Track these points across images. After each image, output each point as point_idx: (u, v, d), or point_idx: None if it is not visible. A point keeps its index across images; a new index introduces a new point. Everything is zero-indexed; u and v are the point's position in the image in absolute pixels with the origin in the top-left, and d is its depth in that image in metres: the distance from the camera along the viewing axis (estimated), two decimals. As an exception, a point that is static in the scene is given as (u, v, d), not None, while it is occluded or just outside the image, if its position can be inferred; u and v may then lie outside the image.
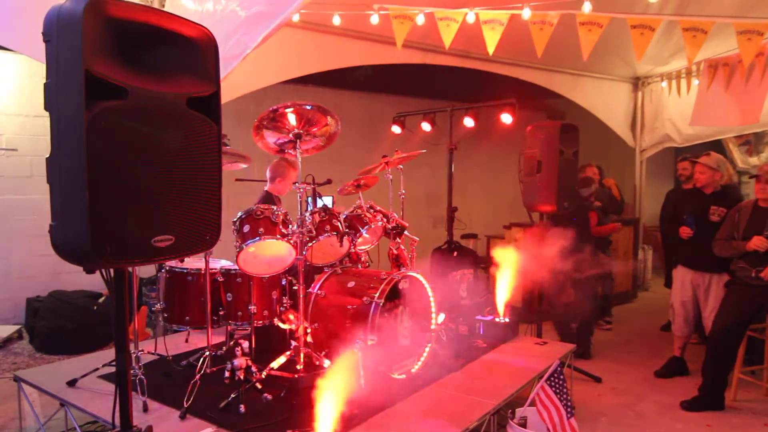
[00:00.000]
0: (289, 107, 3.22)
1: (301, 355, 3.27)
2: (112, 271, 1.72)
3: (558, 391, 2.96)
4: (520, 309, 5.45)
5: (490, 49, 4.13)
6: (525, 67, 6.44)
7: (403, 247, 4.10)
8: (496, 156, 8.97)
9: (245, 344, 3.48)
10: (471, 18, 4.15)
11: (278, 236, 3.24)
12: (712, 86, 6.00)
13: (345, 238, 3.59)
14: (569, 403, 2.95)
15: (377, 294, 3.24)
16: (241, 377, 3.03)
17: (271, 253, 3.35)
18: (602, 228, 5.70)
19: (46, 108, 1.44)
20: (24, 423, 3.35)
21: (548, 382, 2.98)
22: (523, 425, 3.03)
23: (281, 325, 3.48)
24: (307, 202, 3.82)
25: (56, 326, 5.15)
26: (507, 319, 4.36)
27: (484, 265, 6.61)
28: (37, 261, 5.70)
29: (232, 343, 3.60)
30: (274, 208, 3.31)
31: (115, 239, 1.49)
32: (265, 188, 4.37)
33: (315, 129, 3.44)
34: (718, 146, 7.89)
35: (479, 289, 4.65)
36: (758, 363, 4.33)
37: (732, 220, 4.22)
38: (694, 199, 4.68)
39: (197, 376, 3.09)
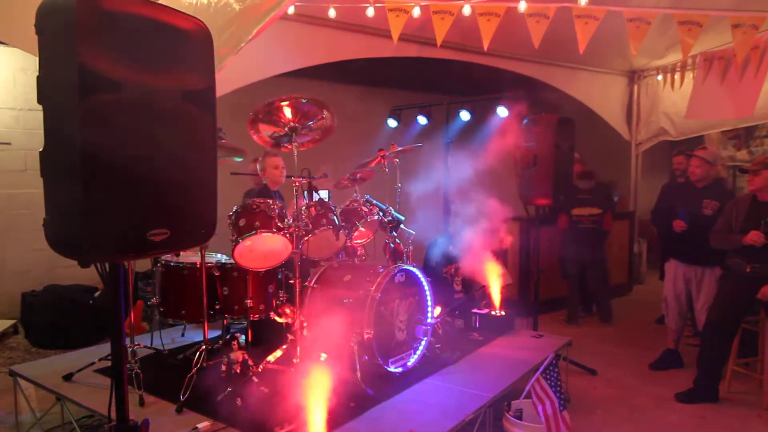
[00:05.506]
0: (284, 100, 3.21)
1: (298, 349, 3.27)
2: (107, 265, 1.71)
3: (553, 383, 2.97)
4: (517, 302, 5.47)
5: (486, 42, 4.12)
6: (521, 60, 6.42)
7: (399, 241, 4.10)
8: (493, 149, 8.95)
9: (241, 338, 3.49)
10: (467, 10, 4.13)
11: (274, 230, 3.23)
12: (707, 80, 6.01)
13: (341, 232, 3.59)
14: (562, 396, 2.97)
15: (373, 287, 3.24)
16: (238, 371, 3.04)
17: (267, 247, 3.34)
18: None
19: (40, 101, 1.42)
20: (20, 417, 3.35)
21: (544, 375, 3.00)
22: (519, 418, 3.05)
23: (277, 319, 3.48)
24: (303, 195, 3.82)
25: (52, 321, 5.13)
26: (503, 313, 4.38)
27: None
28: (32, 255, 5.68)
29: (228, 336, 3.61)
30: (270, 201, 3.31)
31: (110, 233, 1.48)
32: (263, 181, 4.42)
33: (311, 122, 3.43)
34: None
35: (475, 282, 4.65)
36: (752, 355, 4.36)
37: (729, 212, 4.21)
38: (686, 193, 4.68)
39: (193, 370, 3.09)
